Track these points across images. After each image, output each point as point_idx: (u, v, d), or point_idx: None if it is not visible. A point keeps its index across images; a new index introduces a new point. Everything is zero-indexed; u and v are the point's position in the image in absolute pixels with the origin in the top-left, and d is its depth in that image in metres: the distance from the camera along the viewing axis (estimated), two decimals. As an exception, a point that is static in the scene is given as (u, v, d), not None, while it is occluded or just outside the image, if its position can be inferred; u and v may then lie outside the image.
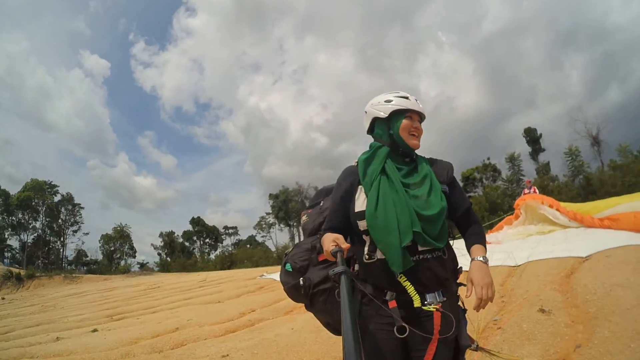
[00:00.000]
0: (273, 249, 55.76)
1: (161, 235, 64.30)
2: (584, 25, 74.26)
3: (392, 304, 1.65)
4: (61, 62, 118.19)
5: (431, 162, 1.93)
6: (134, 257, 61.01)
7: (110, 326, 9.95)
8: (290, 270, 2.20)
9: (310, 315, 6.49)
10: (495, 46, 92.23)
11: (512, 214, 14.80)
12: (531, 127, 50.76)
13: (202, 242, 66.61)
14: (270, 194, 63.77)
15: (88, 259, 58.72)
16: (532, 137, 50.13)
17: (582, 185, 40.79)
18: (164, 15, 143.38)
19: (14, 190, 54.32)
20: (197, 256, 60.60)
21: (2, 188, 52.80)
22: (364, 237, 1.75)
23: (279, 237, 69.79)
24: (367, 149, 1.97)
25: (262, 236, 65.81)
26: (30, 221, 54.25)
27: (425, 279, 1.65)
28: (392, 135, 1.86)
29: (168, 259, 59.79)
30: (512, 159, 49.65)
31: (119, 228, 59.79)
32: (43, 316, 14.48)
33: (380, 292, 1.70)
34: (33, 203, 53.50)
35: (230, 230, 68.81)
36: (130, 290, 20.04)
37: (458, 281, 1.82)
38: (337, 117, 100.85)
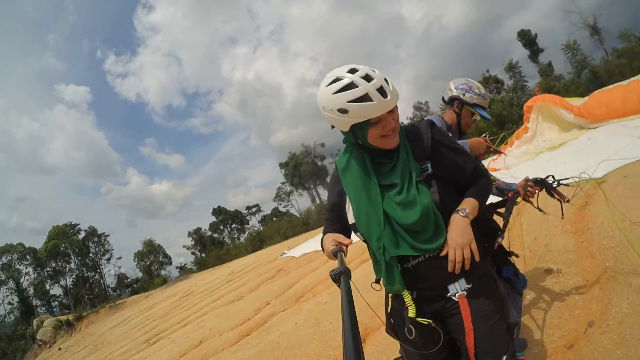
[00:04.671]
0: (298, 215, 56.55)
1: (189, 234, 65.63)
2: None
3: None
4: (41, 104, 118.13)
5: (408, 134, 1.60)
6: (171, 263, 62.51)
7: (147, 353, 10.35)
8: None
9: (313, 303, 6.53)
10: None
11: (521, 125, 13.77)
12: (524, 29, 48.82)
13: (229, 229, 67.46)
14: (280, 163, 64.21)
15: (129, 280, 60.58)
16: (528, 39, 48.38)
17: (589, 79, 38.73)
18: (123, 21, 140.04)
19: (40, 241, 55.74)
20: (229, 244, 61.80)
21: (27, 246, 54.01)
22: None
23: (300, 202, 70.33)
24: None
25: (284, 206, 66.49)
26: (64, 265, 55.49)
27: (435, 277, 1.51)
28: (363, 144, 1.53)
29: (202, 255, 61.24)
30: (512, 67, 48.08)
31: (147, 241, 61.28)
32: (93, 358, 15.07)
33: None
34: (61, 249, 54.63)
35: (253, 209, 69.51)
36: (167, 304, 20.54)
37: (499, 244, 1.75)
38: (328, 65, 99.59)
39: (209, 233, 65.77)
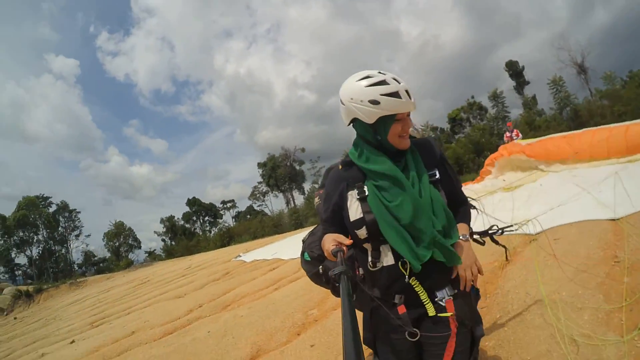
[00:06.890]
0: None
1: (162, 221, 65.15)
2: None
3: (402, 309, 1.61)
4: (28, 71, 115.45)
5: (418, 145, 1.74)
6: (140, 247, 62.50)
7: (87, 335, 10.44)
8: (309, 259, 2.27)
9: (232, 315, 6.96)
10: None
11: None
12: (512, 59, 49.34)
13: (202, 221, 67.40)
14: (258, 163, 63.60)
15: (96, 258, 60.36)
16: (515, 70, 49.08)
17: (570, 117, 39.24)
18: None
19: (11, 207, 55.35)
20: (200, 235, 61.67)
21: (-2, 213, 53.26)
22: (365, 245, 1.69)
23: (274, 204, 69.88)
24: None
25: (258, 205, 66.16)
26: (32, 236, 55.35)
27: (437, 279, 1.62)
28: (380, 140, 1.64)
29: (172, 243, 60.85)
30: (495, 96, 48.60)
31: (117, 223, 61.10)
32: (42, 332, 15.04)
33: (389, 296, 1.66)
34: (30, 219, 54.46)
35: (228, 204, 69.41)
36: (123, 289, 20.64)
37: None
38: (321, 71, 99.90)
39: (182, 222, 65.41)
